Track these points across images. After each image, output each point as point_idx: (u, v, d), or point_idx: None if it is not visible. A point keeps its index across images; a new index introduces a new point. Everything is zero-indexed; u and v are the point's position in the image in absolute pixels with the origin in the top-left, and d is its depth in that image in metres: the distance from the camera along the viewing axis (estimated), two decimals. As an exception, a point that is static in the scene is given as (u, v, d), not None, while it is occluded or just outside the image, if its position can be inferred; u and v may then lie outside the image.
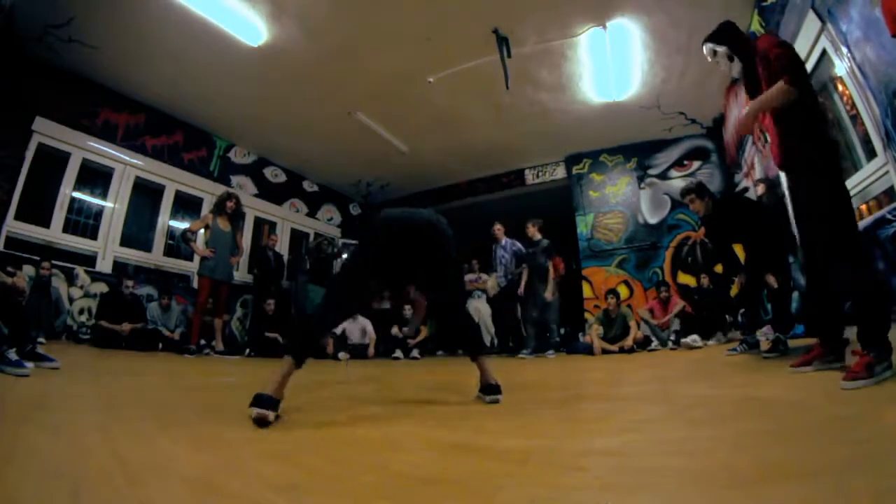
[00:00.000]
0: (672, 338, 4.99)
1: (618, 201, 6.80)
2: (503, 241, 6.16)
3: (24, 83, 4.49)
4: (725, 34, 2.07)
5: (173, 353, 4.86)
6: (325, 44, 4.66)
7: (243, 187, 7.00)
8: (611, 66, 4.89)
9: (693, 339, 4.63)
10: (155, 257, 5.71)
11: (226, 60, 4.83)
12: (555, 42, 4.53)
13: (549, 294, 5.52)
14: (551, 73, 5.12)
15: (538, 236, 5.74)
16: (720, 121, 5.88)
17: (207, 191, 6.39)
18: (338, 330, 6.12)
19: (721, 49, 2.05)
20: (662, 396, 1.97)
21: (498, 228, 6.23)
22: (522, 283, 5.78)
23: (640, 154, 6.72)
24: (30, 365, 2.31)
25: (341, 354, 5.70)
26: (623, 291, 6.28)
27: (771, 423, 1.22)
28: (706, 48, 2.11)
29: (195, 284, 5.55)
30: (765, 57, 1.88)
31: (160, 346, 4.93)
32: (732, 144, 4.89)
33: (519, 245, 6.05)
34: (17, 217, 4.48)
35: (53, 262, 4.49)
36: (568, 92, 5.45)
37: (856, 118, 2.81)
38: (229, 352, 5.25)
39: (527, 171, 7.79)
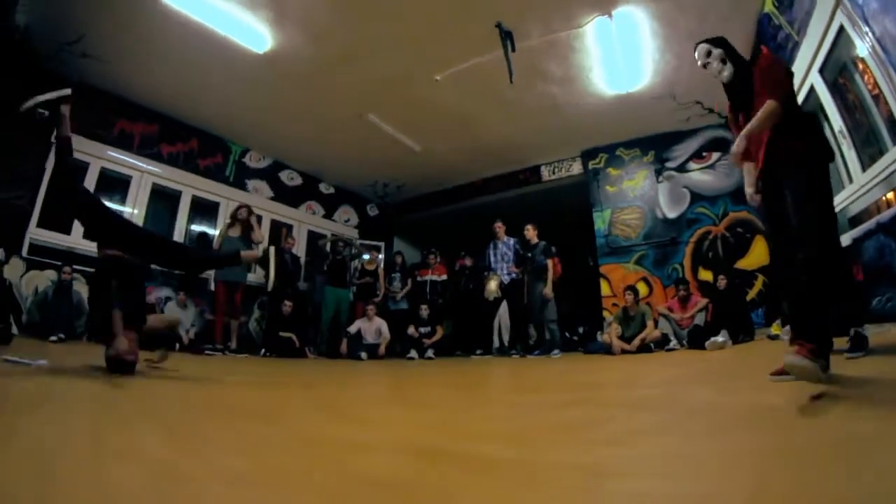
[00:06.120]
0: (686, 339, 4.82)
1: (635, 196, 6.58)
2: (505, 239, 6.17)
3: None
4: (721, 40, 2.10)
5: (189, 353, 5.00)
6: (330, 47, 4.69)
7: (259, 191, 7.13)
8: (620, 56, 4.73)
9: (716, 339, 4.40)
10: (173, 261, 5.87)
11: (234, 68, 4.93)
12: (560, 34, 4.41)
13: (547, 291, 5.55)
14: (560, 66, 4.99)
15: (536, 239, 5.84)
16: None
17: (224, 195, 6.55)
18: (353, 330, 6.18)
19: (717, 51, 2.06)
20: (665, 403, 1.87)
21: (499, 226, 6.25)
22: (525, 289, 5.78)
23: (657, 147, 6.47)
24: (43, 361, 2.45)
25: (362, 354, 5.74)
26: (642, 289, 6.09)
27: (776, 439, 1.08)
28: (700, 48, 2.10)
29: (212, 287, 5.74)
30: (758, 71, 1.92)
31: (177, 346, 5.05)
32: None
33: (519, 245, 6.05)
34: (40, 224, 4.71)
35: (74, 266, 4.68)
36: (578, 84, 5.30)
37: (878, 98, 2.61)
38: (240, 350, 5.48)
39: (542, 168, 7.65)
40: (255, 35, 4.46)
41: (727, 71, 2.03)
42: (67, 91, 2.56)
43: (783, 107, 1.80)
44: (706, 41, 2.10)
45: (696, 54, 2.12)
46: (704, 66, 2.10)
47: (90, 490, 0.75)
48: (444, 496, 0.76)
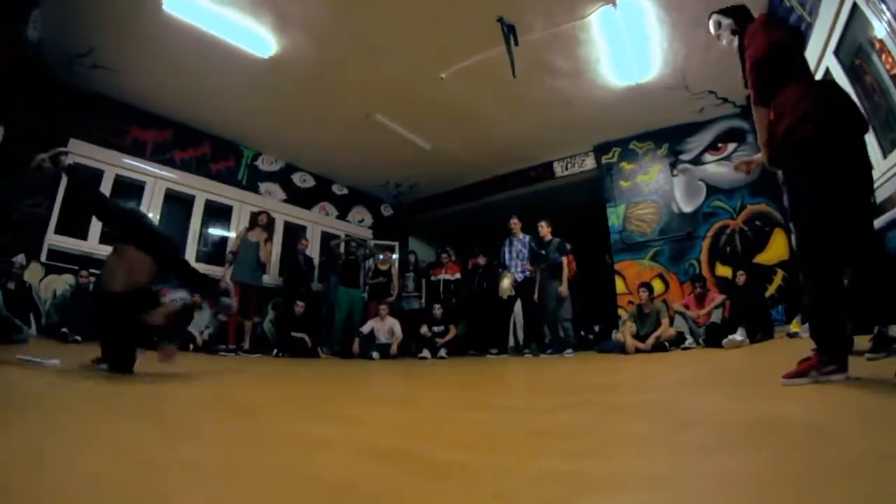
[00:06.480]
0: (703, 337, 4.66)
1: (650, 190, 6.39)
2: (521, 236, 6.07)
3: (56, 109, 4.88)
4: (735, 10, 2.01)
5: (203, 353, 5.12)
6: (334, 50, 4.72)
7: (272, 194, 7.22)
8: (628, 47, 4.58)
9: (734, 337, 4.22)
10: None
11: (241, 73, 5.02)
12: (565, 25, 4.30)
13: (563, 289, 5.45)
14: (567, 59, 4.88)
15: (549, 236, 5.76)
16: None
17: (237, 199, 6.66)
18: (365, 329, 6.19)
19: (727, 21, 1.99)
20: (665, 409, 1.77)
21: (514, 223, 6.15)
22: (537, 288, 5.69)
23: (670, 139, 6.27)
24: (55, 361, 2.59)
25: (374, 354, 5.76)
26: (658, 286, 5.92)
27: (777, 459, 0.92)
28: (712, 19, 2.06)
29: (227, 289, 5.83)
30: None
31: (191, 346, 5.16)
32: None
33: (533, 243, 5.95)
34: (57, 231, 4.90)
35: (91, 270, 4.83)
36: (587, 77, 5.18)
37: (897, 80, 2.44)
38: (253, 351, 5.58)
39: (555, 164, 7.52)
40: (259, 41, 4.52)
41: (735, 44, 1.94)
42: (62, 149, 2.77)
43: (766, 103, 1.71)
44: (718, 11, 2.03)
45: (710, 24, 2.07)
46: (717, 37, 2.04)
47: (64, 473, 0.82)
48: (392, 502, 0.74)
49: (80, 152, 5.01)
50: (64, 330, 4.32)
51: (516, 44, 4.30)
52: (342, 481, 0.85)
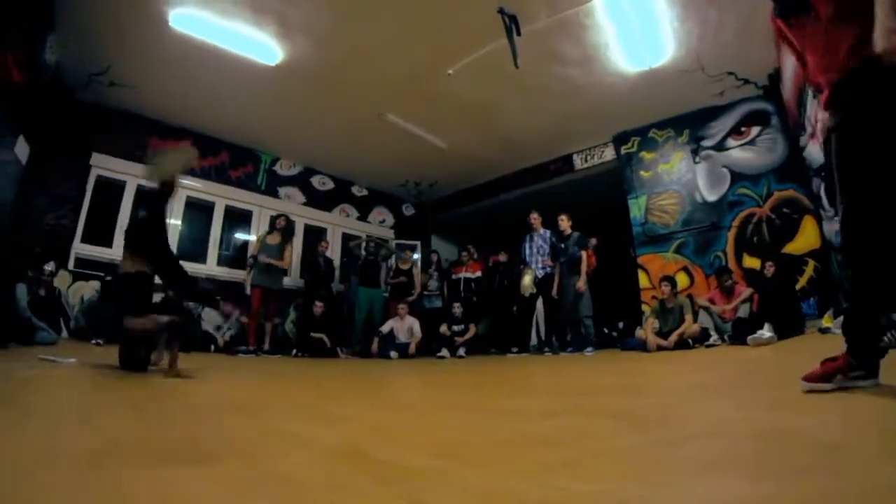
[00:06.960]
0: (729, 333, 4.43)
1: (672, 179, 6.10)
2: (541, 231, 5.94)
3: (78, 125, 5.15)
4: None
5: (225, 353, 5.30)
6: (338, 53, 4.75)
7: (291, 197, 7.34)
8: (637, 29, 4.38)
9: (761, 333, 3.97)
10: (209, 268, 6.19)
11: (251, 82, 5.14)
12: (568, 11, 4.15)
13: (581, 284, 5.28)
14: (575, 47, 4.71)
15: (569, 230, 5.61)
16: (776, 76, 5.03)
17: (256, 203, 6.81)
18: (385, 329, 6.21)
19: None
20: (666, 416, 1.61)
21: (534, 217, 6.00)
22: (556, 284, 5.53)
23: (691, 125, 5.95)
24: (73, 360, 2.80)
25: (392, 353, 5.77)
26: (683, 280, 5.66)
27: (776, 484, 0.75)
28: None
29: (247, 292, 5.96)
30: None
31: (212, 348, 5.31)
32: (794, 100, 4.06)
33: (554, 238, 5.80)
34: (83, 240, 5.17)
35: (116, 277, 5.01)
36: (598, 64, 4.98)
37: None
38: (273, 351, 5.69)
39: (574, 156, 7.32)
40: (265, 49, 4.62)
41: None
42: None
43: None
44: None
45: None
46: None
47: (36, 447, 0.92)
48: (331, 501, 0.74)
49: (104, 165, 5.26)
50: (94, 342, 4.49)
51: (518, 34, 4.18)
52: (296, 478, 0.86)
